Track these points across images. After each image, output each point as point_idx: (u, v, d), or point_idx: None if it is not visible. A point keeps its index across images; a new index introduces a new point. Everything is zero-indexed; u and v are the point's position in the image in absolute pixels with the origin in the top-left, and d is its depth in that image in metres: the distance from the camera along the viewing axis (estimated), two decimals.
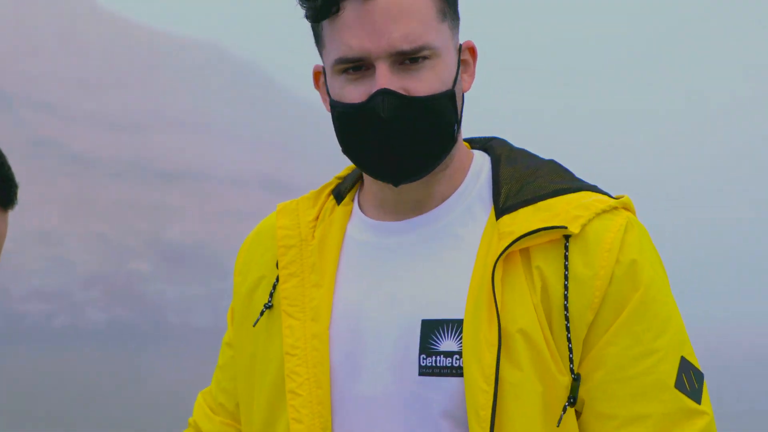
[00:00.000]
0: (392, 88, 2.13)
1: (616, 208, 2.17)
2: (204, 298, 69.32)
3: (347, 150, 2.21)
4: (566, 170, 2.25)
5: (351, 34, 2.15)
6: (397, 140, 2.15)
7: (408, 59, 2.14)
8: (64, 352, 49.48)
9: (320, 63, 2.26)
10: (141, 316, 64.56)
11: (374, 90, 2.13)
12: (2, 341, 51.40)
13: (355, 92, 2.16)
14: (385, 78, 2.13)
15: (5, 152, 1.86)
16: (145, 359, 47.43)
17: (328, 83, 2.21)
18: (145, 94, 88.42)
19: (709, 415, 2.15)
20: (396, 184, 2.19)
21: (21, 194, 1.90)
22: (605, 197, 2.19)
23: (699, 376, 2.16)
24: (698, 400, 2.13)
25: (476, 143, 2.33)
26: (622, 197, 2.21)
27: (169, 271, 70.32)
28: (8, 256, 61.64)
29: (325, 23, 2.18)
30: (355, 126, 2.17)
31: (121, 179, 76.70)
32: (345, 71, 2.17)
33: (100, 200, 72.80)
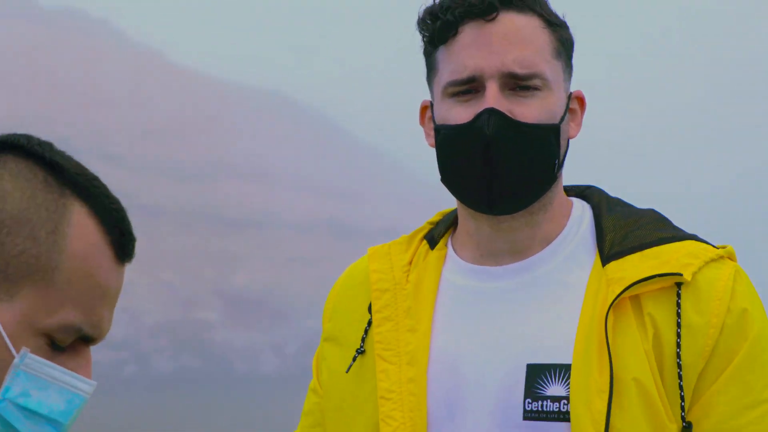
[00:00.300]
0: (500, 108, 2.14)
1: (722, 257, 2.19)
2: (270, 346, 69.43)
3: (445, 175, 2.20)
4: (666, 219, 2.25)
5: (466, 54, 2.16)
6: (498, 160, 2.14)
7: (519, 85, 2.16)
8: (133, 400, 49.72)
9: (427, 99, 2.27)
10: (208, 365, 64.75)
11: (481, 109, 2.14)
12: None
13: (462, 113, 2.17)
14: (493, 98, 2.14)
15: None
16: (213, 406, 47.55)
17: (435, 110, 2.22)
18: (209, 144, 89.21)
19: None
20: (492, 211, 2.17)
21: None
22: (709, 246, 2.20)
23: None
24: None
25: (572, 191, 2.33)
26: (726, 247, 2.22)
27: (236, 319, 70.58)
28: None
29: (441, 48, 2.20)
30: (457, 146, 2.17)
31: (187, 228, 77.22)
32: (455, 94, 2.18)
33: (168, 249, 73.30)
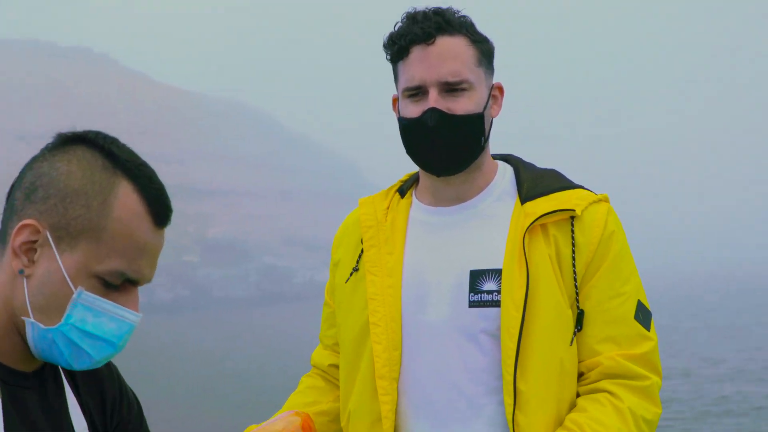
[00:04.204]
0: (438, 107, 2.18)
1: (600, 200, 2.27)
2: (237, 277, 69.15)
3: (408, 150, 2.24)
4: (563, 175, 2.32)
5: (414, 69, 2.20)
6: (439, 143, 2.20)
7: (452, 88, 2.18)
8: (144, 325, 49.05)
9: (396, 94, 2.30)
10: (193, 293, 64.27)
11: (426, 108, 2.19)
12: None
13: (414, 110, 2.21)
14: (434, 100, 2.19)
15: None
16: (199, 323, 47.14)
17: (400, 104, 2.26)
18: (186, 138, 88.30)
19: (654, 341, 2.23)
20: (438, 175, 2.23)
21: None
22: (592, 193, 2.27)
23: (648, 314, 2.25)
24: (648, 329, 2.23)
25: (497, 157, 2.37)
26: (604, 195, 2.30)
27: (211, 260, 70.19)
28: None
29: (399, 63, 2.24)
30: (412, 133, 2.21)
31: (174, 198, 76.49)
32: (409, 96, 2.22)
33: None
